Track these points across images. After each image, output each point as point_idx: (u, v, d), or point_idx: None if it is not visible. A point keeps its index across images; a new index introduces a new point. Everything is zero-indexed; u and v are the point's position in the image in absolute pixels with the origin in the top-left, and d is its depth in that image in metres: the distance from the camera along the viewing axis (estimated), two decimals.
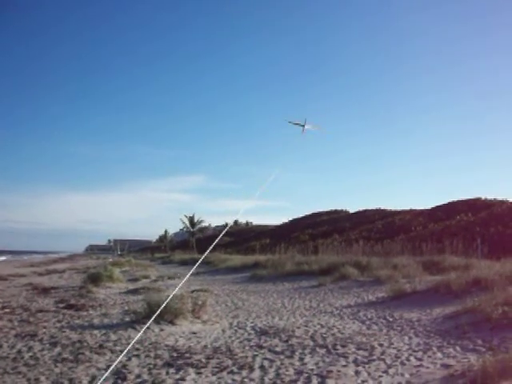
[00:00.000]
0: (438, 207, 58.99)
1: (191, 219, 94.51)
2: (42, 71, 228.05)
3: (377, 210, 78.72)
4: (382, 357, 7.78)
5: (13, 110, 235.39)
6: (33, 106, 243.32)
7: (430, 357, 7.65)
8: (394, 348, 8.40)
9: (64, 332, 10.14)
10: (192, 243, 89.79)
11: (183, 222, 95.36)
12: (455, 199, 58.73)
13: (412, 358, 7.62)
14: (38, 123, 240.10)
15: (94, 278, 21.59)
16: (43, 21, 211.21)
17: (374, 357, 7.79)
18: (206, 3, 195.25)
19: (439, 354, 7.77)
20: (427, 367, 7.05)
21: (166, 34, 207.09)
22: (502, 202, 47.93)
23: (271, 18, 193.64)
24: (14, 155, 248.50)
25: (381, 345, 8.68)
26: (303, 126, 8.72)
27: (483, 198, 54.78)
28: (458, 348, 8.09)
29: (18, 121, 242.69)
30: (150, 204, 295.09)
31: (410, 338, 9.27)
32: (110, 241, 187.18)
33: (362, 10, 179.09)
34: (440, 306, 12.25)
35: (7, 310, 13.31)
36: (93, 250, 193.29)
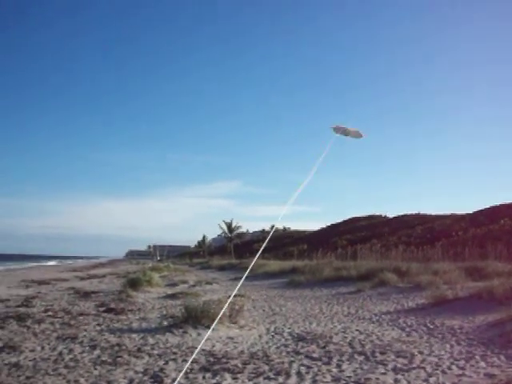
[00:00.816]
0: (480, 211, 57.60)
1: (229, 225, 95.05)
2: (82, 80, 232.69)
3: (416, 214, 77.45)
4: (422, 365, 7.58)
5: (54, 119, 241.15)
6: (69, 114, 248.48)
7: (472, 366, 7.42)
8: (434, 356, 8.18)
9: (103, 335, 10.28)
10: (230, 248, 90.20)
11: (221, 228, 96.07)
12: (498, 203, 57.30)
13: (454, 367, 7.40)
14: (80, 133, 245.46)
15: (134, 283, 21.86)
16: (85, 28, 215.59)
17: (414, 365, 7.61)
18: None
19: (482, 363, 7.53)
20: (470, 376, 6.84)
21: (206, 45, 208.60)
22: None
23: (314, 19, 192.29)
24: (51, 163, 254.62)
25: (421, 352, 8.47)
26: (345, 133, 8.32)
27: None
28: (502, 357, 7.83)
29: (63, 131, 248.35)
30: (188, 210, 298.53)
31: (452, 345, 9.03)
32: (149, 246, 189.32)
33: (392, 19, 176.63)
34: (483, 314, 11.89)
35: (50, 313, 13.59)
36: (133, 255, 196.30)
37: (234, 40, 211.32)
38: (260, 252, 7.67)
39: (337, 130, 7.81)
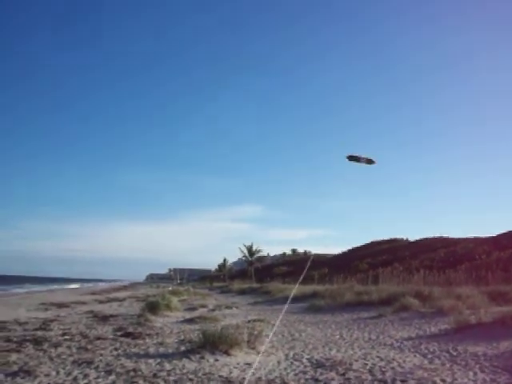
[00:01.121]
0: (503, 234, 56.63)
1: (249, 248, 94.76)
2: (105, 104, 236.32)
3: (438, 238, 76.46)
4: None
5: (74, 141, 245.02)
6: (96, 138, 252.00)
7: None
8: None
9: (120, 360, 10.19)
10: (250, 272, 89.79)
11: (242, 251, 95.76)
12: None
13: None
14: (102, 154, 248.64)
15: (152, 307, 21.78)
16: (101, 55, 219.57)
17: None
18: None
19: None
20: None
21: (229, 73, 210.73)
22: None
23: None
24: (75, 186, 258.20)
25: (443, 380, 8.21)
26: (359, 160, 8.81)
27: None
28: None
29: (80, 152, 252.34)
30: (209, 233, 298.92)
31: (475, 373, 8.75)
32: (169, 269, 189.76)
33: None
34: (508, 340, 11.55)
35: (67, 337, 13.58)
36: (153, 278, 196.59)
37: (260, 66, 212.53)
38: (300, 279, 7.58)
39: (350, 158, 8.46)
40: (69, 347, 11.82)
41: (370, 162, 8.84)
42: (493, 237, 58.13)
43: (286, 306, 7.07)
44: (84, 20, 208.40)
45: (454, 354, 10.89)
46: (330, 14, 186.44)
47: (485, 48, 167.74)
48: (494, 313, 14.98)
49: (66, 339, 13.14)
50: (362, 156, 8.77)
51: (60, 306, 27.28)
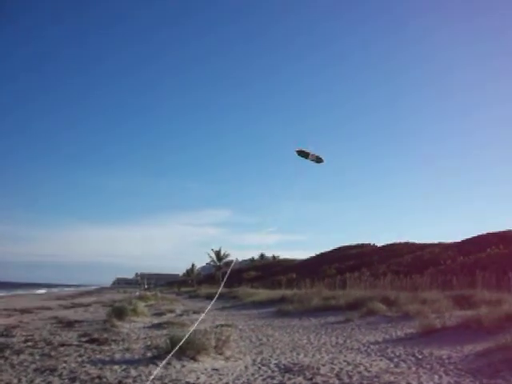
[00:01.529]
0: (467, 240, 57.70)
1: (218, 253, 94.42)
2: (71, 105, 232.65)
3: (405, 243, 77.47)
4: None
5: (38, 142, 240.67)
6: (58, 139, 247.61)
7: None
8: None
9: (84, 367, 10.00)
10: (218, 277, 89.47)
11: (210, 256, 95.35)
12: (485, 231, 57.56)
13: None
14: (67, 156, 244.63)
15: (119, 312, 21.46)
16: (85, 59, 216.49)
17: None
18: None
19: None
20: None
21: (195, 70, 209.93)
22: None
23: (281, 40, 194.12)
24: (40, 189, 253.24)
25: None
26: (307, 157, 8.85)
27: None
28: None
29: (44, 154, 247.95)
30: (176, 238, 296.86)
31: (440, 376, 8.86)
32: (137, 274, 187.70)
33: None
34: (471, 343, 11.75)
35: (30, 344, 13.28)
36: (120, 283, 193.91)
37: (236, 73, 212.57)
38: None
39: (299, 152, 8.50)
40: (31, 354, 11.56)
41: (318, 159, 8.87)
42: (457, 243, 59.16)
43: (212, 302, 6.95)
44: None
45: (420, 357, 11.02)
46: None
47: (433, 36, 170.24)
48: (459, 317, 15.24)
49: (28, 346, 12.85)
50: (312, 152, 8.79)
51: (23, 311, 26.69)
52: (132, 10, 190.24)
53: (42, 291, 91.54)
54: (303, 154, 8.77)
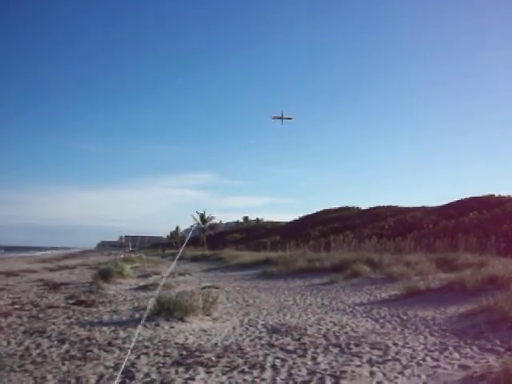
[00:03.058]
0: (449, 204, 58.32)
1: (202, 216, 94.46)
2: (52, 71, 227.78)
3: (388, 207, 78.02)
4: (397, 357, 7.56)
5: (23, 109, 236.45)
6: (44, 105, 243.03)
7: (446, 357, 7.42)
8: (409, 348, 8.17)
9: (73, 329, 10.03)
10: (203, 240, 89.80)
11: (194, 219, 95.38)
12: (467, 196, 58.19)
13: (428, 359, 7.39)
14: (50, 122, 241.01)
15: (105, 274, 21.48)
16: (52, 21, 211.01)
17: (389, 357, 7.57)
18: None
19: (456, 355, 7.54)
20: (444, 368, 6.83)
21: (176, 38, 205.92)
22: None
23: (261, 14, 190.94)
24: (25, 153, 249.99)
25: (395, 344, 8.45)
26: (282, 118, 9.54)
27: (496, 194, 54.09)
28: (475, 348, 7.86)
29: (29, 119, 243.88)
30: (160, 200, 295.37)
31: (425, 337, 9.04)
32: (121, 237, 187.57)
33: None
34: (455, 305, 11.99)
35: (17, 306, 13.28)
36: (104, 246, 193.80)
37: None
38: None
39: (274, 118, 9.32)
40: (19, 316, 11.55)
41: (289, 118, 9.72)
42: (440, 207, 59.78)
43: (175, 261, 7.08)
44: None
45: (405, 318, 11.23)
46: None
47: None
48: (442, 279, 15.52)
49: (16, 308, 12.84)
50: (284, 115, 9.61)
51: (8, 274, 26.53)
52: None
53: (22, 254, 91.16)
54: (278, 118, 9.49)
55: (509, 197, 50.61)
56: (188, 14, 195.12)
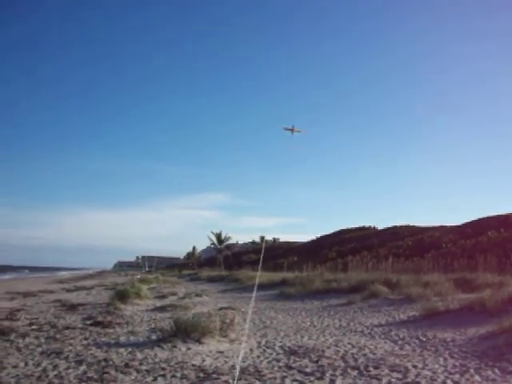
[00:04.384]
0: (468, 223, 57.82)
1: (218, 236, 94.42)
2: (67, 91, 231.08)
3: (406, 226, 77.55)
4: (417, 379, 7.43)
5: (36, 128, 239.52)
6: (60, 126, 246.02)
7: (467, 380, 7.30)
8: (428, 370, 8.04)
9: (90, 350, 10.03)
10: (219, 260, 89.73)
11: (210, 239, 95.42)
12: (485, 215, 57.65)
13: (449, 381, 7.27)
14: (67, 142, 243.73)
15: (122, 295, 21.51)
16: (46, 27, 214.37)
17: (409, 379, 7.46)
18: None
19: (477, 377, 7.41)
20: None
21: (180, 48, 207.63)
22: None
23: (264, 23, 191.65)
24: (42, 174, 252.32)
25: (415, 366, 8.32)
26: (292, 130, 9.87)
27: None
28: (496, 370, 7.72)
29: (46, 140, 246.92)
30: (176, 221, 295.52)
31: (446, 359, 8.90)
32: (138, 257, 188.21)
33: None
34: (475, 326, 11.80)
35: (35, 327, 13.31)
36: (121, 266, 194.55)
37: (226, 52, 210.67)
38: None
39: (285, 128, 9.79)
40: (37, 337, 11.58)
41: (299, 132, 10.05)
42: (458, 226, 59.26)
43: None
44: None
45: (424, 340, 11.07)
46: None
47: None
48: (461, 299, 15.30)
49: (33, 329, 12.87)
50: (295, 128, 9.93)
51: (26, 295, 26.75)
52: None
53: (41, 274, 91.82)
54: (288, 129, 9.81)
55: None
56: (186, 23, 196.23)
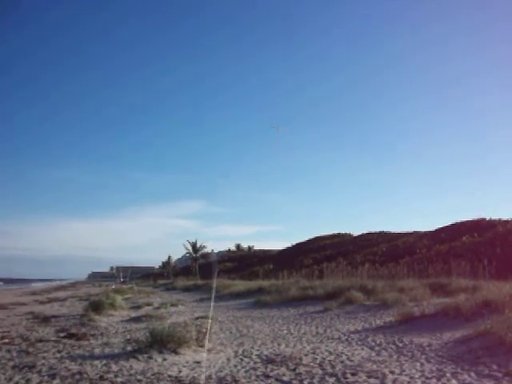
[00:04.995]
0: (441, 229, 58.50)
1: (194, 245, 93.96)
2: (42, 97, 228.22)
3: (380, 232, 78.24)
4: None
5: (14, 137, 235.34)
6: (30, 134, 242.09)
7: None
8: (406, 375, 8.06)
9: (64, 363, 9.80)
10: (195, 269, 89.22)
11: (186, 248, 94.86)
12: (459, 220, 58.44)
13: None
14: (36, 150, 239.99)
15: (96, 306, 21.22)
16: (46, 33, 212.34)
17: None
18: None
19: (454, 381, 7.45)
20: None
21: (162, 58, 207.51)
22: (507, 222, 47.46)
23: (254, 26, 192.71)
24: (14, 182, 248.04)
25: (392, 372, 8.34)
26: (277, 128, 10.19)
27: (487, 218, 54.35)
28: (472, 374, 7.78)
29: (18, 148, 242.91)
30: (151, 230, 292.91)
31: (422, 364, 8.93)
32: (112, 268, 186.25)
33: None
34: (450, 330, 11.91)
35: (6, 340, 13.00)
36: (95, 277, 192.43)
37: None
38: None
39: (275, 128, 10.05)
40: (9, 351, 11.30)
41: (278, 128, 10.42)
42: (432, 231, 59.97)
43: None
44: None
45: (400, 345, 11.11)
46: None
47: None
48: (436, 304, 15.45)
49: (5, 343, 12.57)
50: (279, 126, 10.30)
51: None
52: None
53: (12, 286, 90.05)
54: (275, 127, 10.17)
55: (500, 220, 50.81)
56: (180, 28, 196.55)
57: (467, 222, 55.42)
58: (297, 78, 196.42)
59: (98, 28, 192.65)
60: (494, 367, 7.97)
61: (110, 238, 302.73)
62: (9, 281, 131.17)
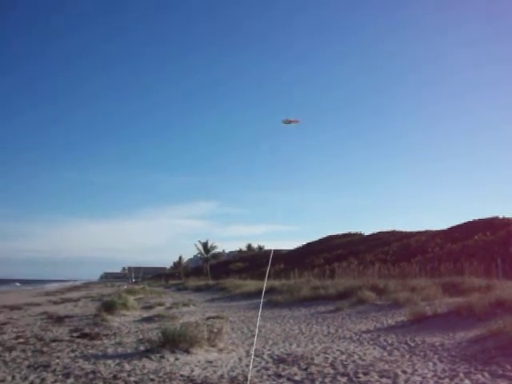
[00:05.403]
0: (454, 227, 58.13)
1: (205, 245, 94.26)
2: (56, 100, 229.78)
3: (392, 231, 77.91)
4: None
5: (29, 138, 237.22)
6: (49, 135, 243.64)
7: None
8: (418, 375, 8.04)
9: (77, 362, 9.91)
10: (206, 269, 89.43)
11: (197, 248, 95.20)
12: (472, 219, 58.05)
13: None
14: (51, 151, 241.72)
15: (109, 306, 21.37)
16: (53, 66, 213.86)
17: None
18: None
19: (467, 381, 7.42)
20: None
21: (177, 61, 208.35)
22: None
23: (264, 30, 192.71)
24: (30, 184, 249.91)
25: (404, 372, 8.33)
26: (290, 121, 10.11)
27: (501, 216, 53.93)
28: (486, 374, 7.74)
29: (34, 149, 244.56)
30: (163, 231, 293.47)
31: (435, 363, 8.91)
32: (124, 268, 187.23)
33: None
34: (463, 330, 11.85)
35: (21, 340, 13.15)
36: (108, 277, 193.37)
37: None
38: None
39: (284, 121, 9.55)
40: (24, 351, 11.43)
41: (296, 122, 10.25)
42: (444, 230, 59.59)
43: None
44: None
45: (412, 345, 11.08)
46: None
47: None
48: (449, 304, 15.34)
49: (20, 342, 12.72)
50: (293, 119, 10.14)
51: (12, 308, 26.38)
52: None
53: (26, 287, 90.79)
54: (287, 121, 10.03)
55: None
56: (190, 32, 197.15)
57: (480, 220, 55.04)
58: (316, 81, 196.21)
59: (114, 28, 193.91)
60: (508, 367, 7.92)
61: (122, 239, 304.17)
62: (25, 282, 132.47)
